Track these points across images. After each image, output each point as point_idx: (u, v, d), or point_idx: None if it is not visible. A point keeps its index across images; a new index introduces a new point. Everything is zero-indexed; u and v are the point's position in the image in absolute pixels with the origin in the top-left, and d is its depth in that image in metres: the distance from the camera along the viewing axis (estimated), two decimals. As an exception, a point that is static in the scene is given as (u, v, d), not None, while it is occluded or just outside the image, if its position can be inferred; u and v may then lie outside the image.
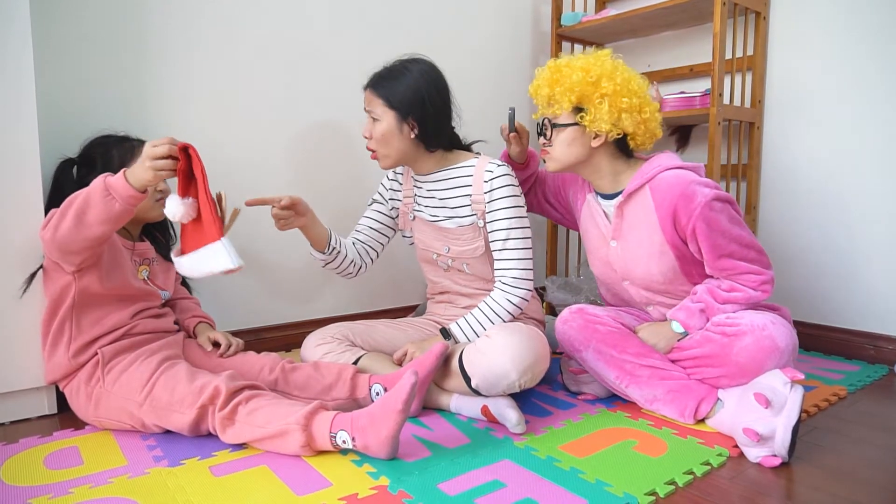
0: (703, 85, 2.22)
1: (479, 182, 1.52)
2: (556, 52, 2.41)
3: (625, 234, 1.48)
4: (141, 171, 1.20)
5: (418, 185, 1.64)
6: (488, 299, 1.51)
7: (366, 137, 1.54)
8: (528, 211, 1.63)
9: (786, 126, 2.03)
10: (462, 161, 1.58)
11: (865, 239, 1.87)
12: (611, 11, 2.27)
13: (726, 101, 2.01)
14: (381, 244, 1.74)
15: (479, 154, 1.60)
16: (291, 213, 1.51)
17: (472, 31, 2.34)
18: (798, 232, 2.01)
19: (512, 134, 1.61)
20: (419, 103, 1.49)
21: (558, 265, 2.58)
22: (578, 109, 1.41)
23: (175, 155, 1.20)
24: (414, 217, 1.67)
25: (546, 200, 1.72)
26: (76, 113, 1.56)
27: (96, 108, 1.60)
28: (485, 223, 1.54)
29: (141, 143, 1.46)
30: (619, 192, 1.47)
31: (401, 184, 1.71)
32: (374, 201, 1.74)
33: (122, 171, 1.22)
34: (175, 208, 1.23)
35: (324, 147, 2.02)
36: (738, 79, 2.08)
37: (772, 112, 2.06)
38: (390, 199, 1.72)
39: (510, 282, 1.50)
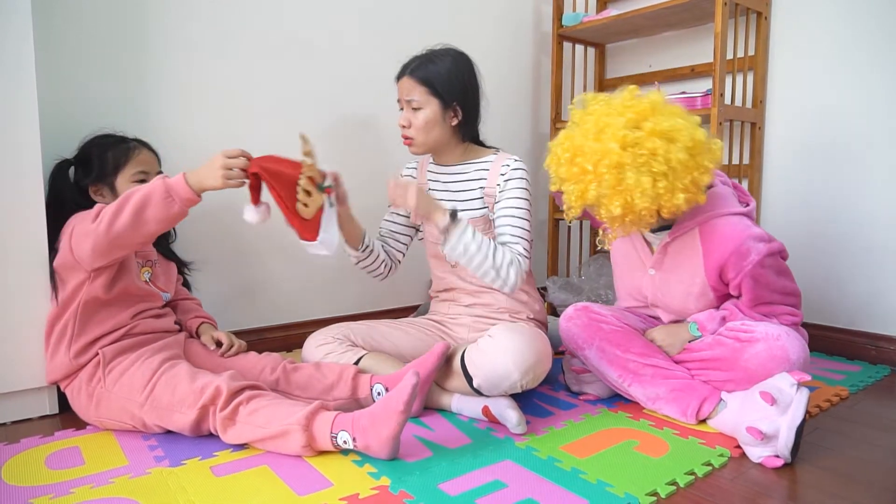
0: (704, 85, 2.22)
1: (495, 175, 1.55)
2: (558, 52, 2.41)
3: (666, 268, 1.45)
4: (211, 177, 1.26)
5: (433, 178, 1.66)
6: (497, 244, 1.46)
7: (403, 126, 1.54)
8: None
9: (787, 126, 2.02)
10: (483, 156, 1.62)
11: (867, 239, 1.87)
12: (612, 12, 2.27)
13: (728, 101, 2.01)
14: (405, 244, 1.75)
15: (499, 150, 1.62)
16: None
17: (473, 31, 2.34)
18: (799, 232, 2.01)
19: None
20: (462, 90, 1.52)
21: (559, 266, 2.58)
22: None
23: (247, 168, 1.29)
24: None
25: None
26: (77, 113, 1.56)
27: (97, 108, 1.60)
28: (495, 216, 1.55)
29: (139, 143, 1.46)
30: (664, 228, 1.42)
31: (415, 178, 1.73)
32: (390, 209, 1.75)
33: (182, 173, 1.25)
34: (252, 216, 1.36)
35: (326, 147, 2.02)
36: (739, 79, 2.08)
37: (773, 112, 2.05)
38: None
39: (515, 249, 1.48)
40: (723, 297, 1.43)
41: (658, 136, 1.22)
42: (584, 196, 1.27)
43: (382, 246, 1.71)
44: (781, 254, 1.37)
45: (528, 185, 1.54)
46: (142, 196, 1.25)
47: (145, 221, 1.26)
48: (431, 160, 1.68)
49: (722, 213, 1.36)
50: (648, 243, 1.49)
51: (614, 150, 1.21)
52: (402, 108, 1.57)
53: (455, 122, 1.55)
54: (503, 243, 1.49)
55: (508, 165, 1.54)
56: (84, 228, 1.29)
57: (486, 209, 1.57)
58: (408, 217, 1.73)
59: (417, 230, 1.76)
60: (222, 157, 1.27)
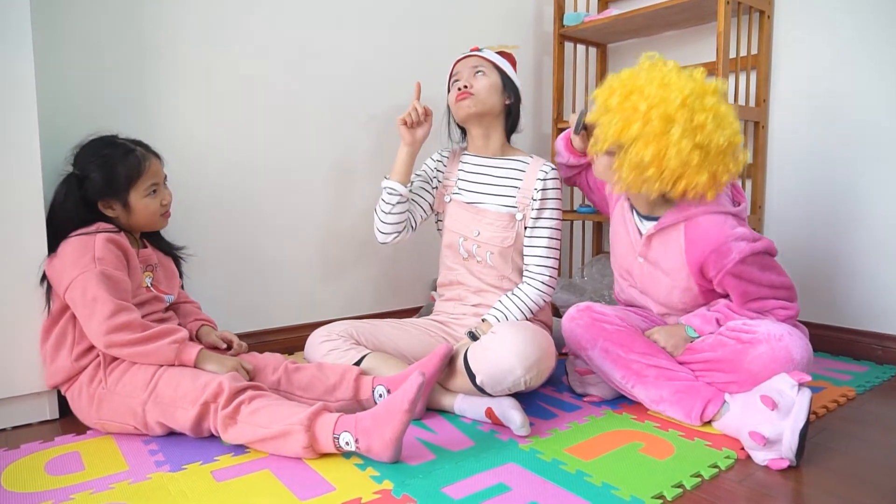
0: (706, 84, 2.21)
1: (532, 179, 1.62)
2: (559, 52, 2.40)
3: (651, 259, 1.47)
4: (218, 368, 1.32)
5: (466, 168, 1.71)
6: (520, 293, 1.59)
7: (464, 87, 1.60)
8: (571, 186, 1.79)
9: (791, 125, 2.01)
10: (519, 156, 1.69)
11: (872, 238, 1.86)
12: (613, 11, 2.26)
13: (731, 100, 2.00)
14: (420, 217, 1.76)
15: (533, 155, 1.69)
16: (422, 122, 1.64)
17: (474, 32, 2.33)
18: (804, 231, 1.99)
19: (581, 132, 1.62)
20: (513, 82, 1.67)
21: (562, 266, 2.57)
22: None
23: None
24: (451, 199, 1.71)
25: (588, 184, 1.74)
26: (77, 116, 1.55)
27: (98, 111, 1.59)
28: (524, 217, 1.61)
29: (145, 150, 1.44)
30: (654, 218, 1.44)
31: (445, 165, 1.77)
32: (418, 177, 1.78)
33: (198, 353, 1.33)
34: None
35: (325, 146, 2.02)
36: (742, 78, 2.07)
37: (776, 111, 2.04)
38: (434, 178, 1.77)
39: (547, 280, 1.61)
40: (708, 292, 1.42)
41: (713, 115, 1.28)
42: (623, 132, 1.30)
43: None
44: (768, 251, 1.36)
45: (561, 195, 1.65)
46: (150, 349, 1.30)
47: (144, 355, 1.30)
48: (466, 150, 1.73)
49: (709, 210, 1.37)
50: (639, 229, 1.50)
51: (674, 102, 1.27)
52: (453, 83, 1.64)
53: (508, 101, 1.65)
54: (537, 265, 1.61)
55: (545, 172, 1.62)
56: (86, 307, 1.29)
57: (514, 208, 1.62)
58: (431, 194, 1.77)
59: (433, 209, 1.79)
60: (239, 364, 1.37)
